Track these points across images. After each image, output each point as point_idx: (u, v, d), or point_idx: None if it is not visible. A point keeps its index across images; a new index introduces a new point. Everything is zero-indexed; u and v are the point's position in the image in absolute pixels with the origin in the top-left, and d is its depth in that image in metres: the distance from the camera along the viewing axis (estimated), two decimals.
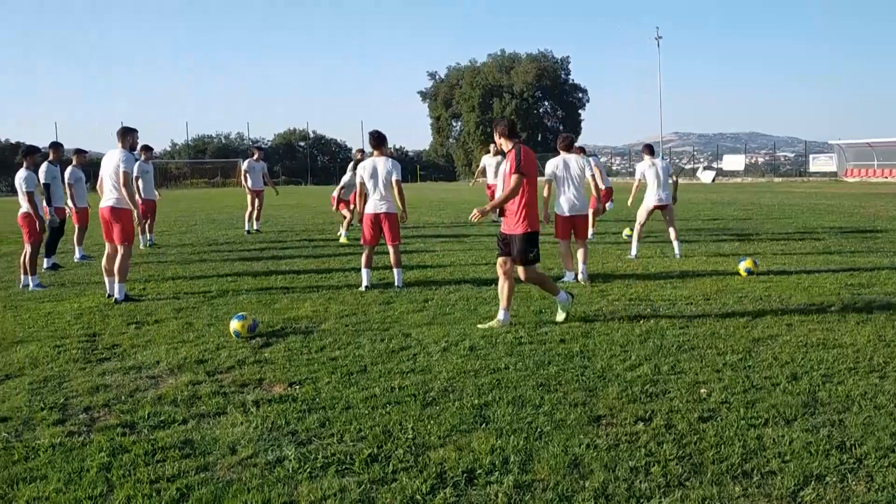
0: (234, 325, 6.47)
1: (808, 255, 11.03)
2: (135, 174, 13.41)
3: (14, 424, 4.50)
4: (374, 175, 8.61)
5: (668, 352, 5.75)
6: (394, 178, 8.60)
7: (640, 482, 3.52)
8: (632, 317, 6.97)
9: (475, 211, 6.59)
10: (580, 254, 9.04)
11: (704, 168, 63.70)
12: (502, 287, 6.79)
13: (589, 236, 10.13)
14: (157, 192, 14.66)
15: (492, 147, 17.79)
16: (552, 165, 9.01)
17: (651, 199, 11.05)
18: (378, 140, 8.74)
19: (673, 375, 5.15)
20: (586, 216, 9.22)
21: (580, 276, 8.91)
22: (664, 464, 3.71)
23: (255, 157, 16.65)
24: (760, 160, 65.65)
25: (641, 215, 11.20)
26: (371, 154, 8.87)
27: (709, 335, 6.24)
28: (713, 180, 55.33)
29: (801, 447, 3.87)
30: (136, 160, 14.16)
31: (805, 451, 3.83)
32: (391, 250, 8.84)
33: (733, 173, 58.27)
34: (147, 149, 14.63)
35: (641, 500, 3.36)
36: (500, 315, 6.76)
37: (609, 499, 3.38)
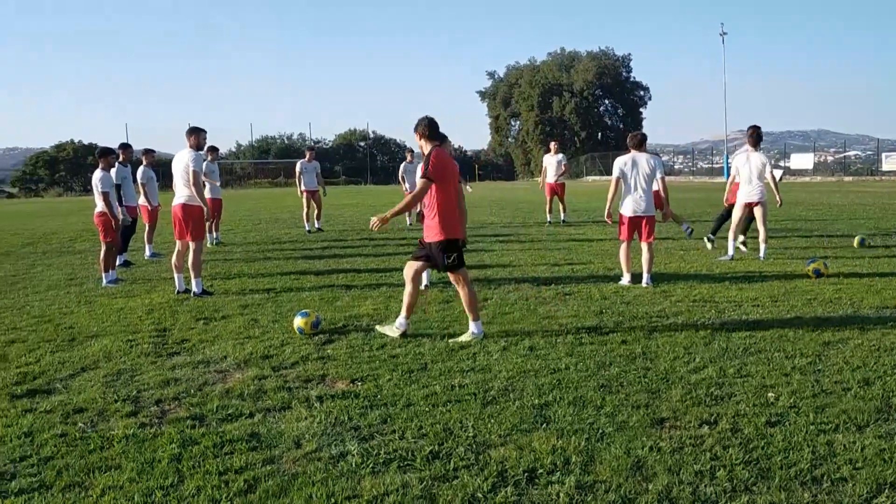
0: (298, 321, 6.60)
1: (880, 257, 10.64)
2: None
3: (90, 415, 4.68)
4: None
5: (734, 354, 5.64)
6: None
7: (706, 486, 3.46)
8: (696, 318, 6.85)
9: (374, 219, 6.20)
10: (645, 258, 8.79)
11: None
12: (406, 293, 6.48)
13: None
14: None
15: (552, 145, 17.76)
16: (620, 163, 8.79)
17: (741, 197, 10.59)
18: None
19: (739, 379, 5.05)
20: (653, 218, 8.89)
21: (644, 282, 8.69)
22: (730, 468, 3.64)
23: (308, 157, 16.93)
24: (830, 159, 63.52)
25: (735, 214, 10.75)
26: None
27: (776, 338, 6.09)
28: (780, 179, 53.82)
29: (873, 454, 3.75)
30: (204, 160, 14.58)
31: (878, 458, 3.71)
32: None
33: (801, 172, 56.61)
34: (213, 149, 15.07)
35: None
36: (397, 322, 6.48)
37: (673, 502, 3.34)
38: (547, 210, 17.62)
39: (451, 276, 6.50)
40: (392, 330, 6.49)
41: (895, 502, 3.28)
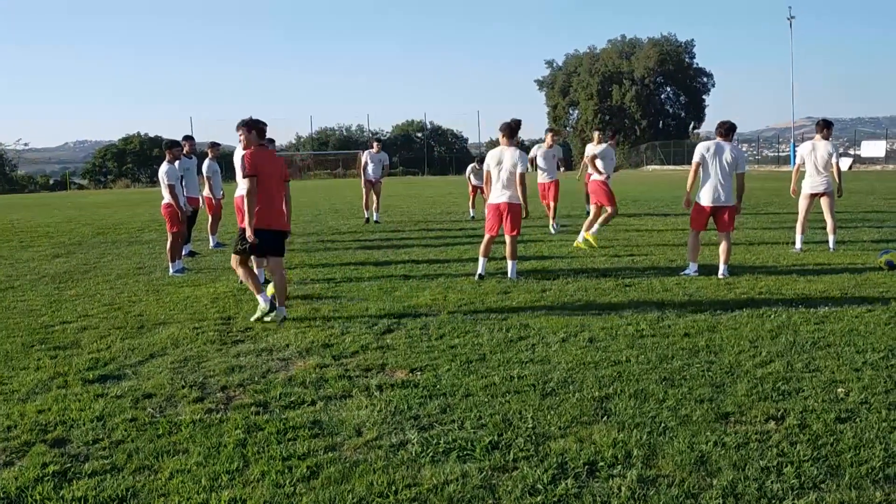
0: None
1: None
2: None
3: (158, 401, 4.83)
4: (500, 164, 8.60)
5: (802, 348, 5.48)
6: (518, 170, 8.50)
7: (772, 482, 3.38)
8: (762, 311, 6.68)
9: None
10: (723, 249, 8.53)
11: (840, 155, 59.92)
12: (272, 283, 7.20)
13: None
14: None
15: (595, 135, 16.93)
16: (702, 149, 8.60)
17: (806, 187, 10.27)
18: (512, 130, 8.73)
19: (807, 373, 4.91)
20: (732, 208, 8.55)
21: (721, 273, 8.47)
22: (798, 465, 3.55)
23: (376, 148, 17.01)
24: None
25: (801, 205, 10.38)
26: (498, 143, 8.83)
27: (846, 332, 5.90)
28: (850, 167, 52.06)
29: None
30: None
31: None
32: (508, 240, 8.82)
33: (873, 160, 54.60)
34: (270, 141, 15.26)
35: (773, 501, 3.23)
36: (260, 300, 6.98)
37: (738, 498, 3.27)
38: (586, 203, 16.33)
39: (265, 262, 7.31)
40: (260, 312, 6.99)
41: None
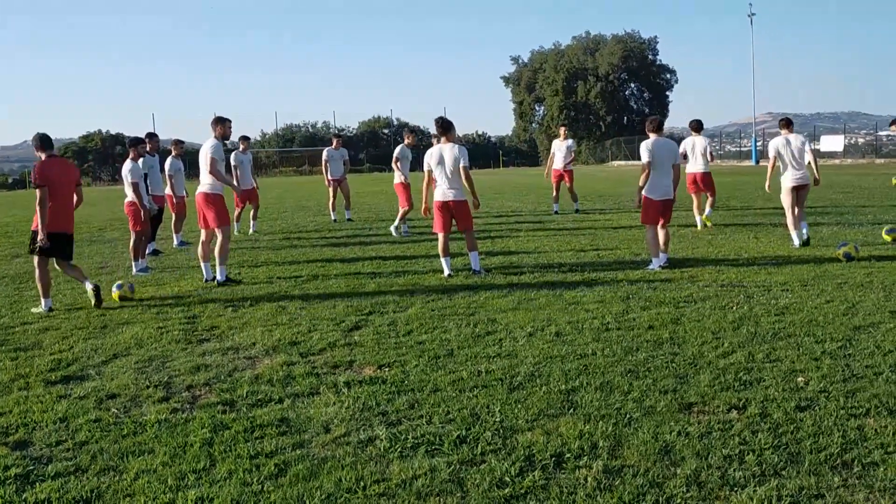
0: (115, 293, 7.91)
1: None
2: (233, 163, 14.00)
3: (122, 401, 4.77)
4: (441, 162, 8.54)
5: (763, 339, 5.59)
6: (461, 165, 8.48)
7: (735, 470, 3.45)
8: (724, 303, 6.80)
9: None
10: (666, 238, 8.87)
11: (811, 146, 60.82)
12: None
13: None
14: (254, 181, 14.95)
15: (561, 130, 17.15)
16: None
17: (788, 181, 10.19)
18: (445, 126, 8.64)
19: (768, 364, 5.01)
20: (673, 201, 8.98)
21: (665, 262, 8.77)
22: (759, 452, 3.63)
23: (335, 145, 16.65)
24: (861, 141, 62.35)
25: (786, 201, 10.26)
26: (439, 141, 8.71)
27: (806, 322, 6.03)
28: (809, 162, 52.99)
29: None
30: (234, 149, 14.65)
31: None
32: (466, 236, 8.83)
33: (832, 154, 55.72)
34: (245, 139, 15.16)
35: (735, 489, 3.30)
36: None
37: (701, 486, 3.33)
38: (553, 198, 16.75)
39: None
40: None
41: None
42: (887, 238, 9.26)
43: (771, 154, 10.35)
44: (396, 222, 13.31)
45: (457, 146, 8.56)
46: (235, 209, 14.19)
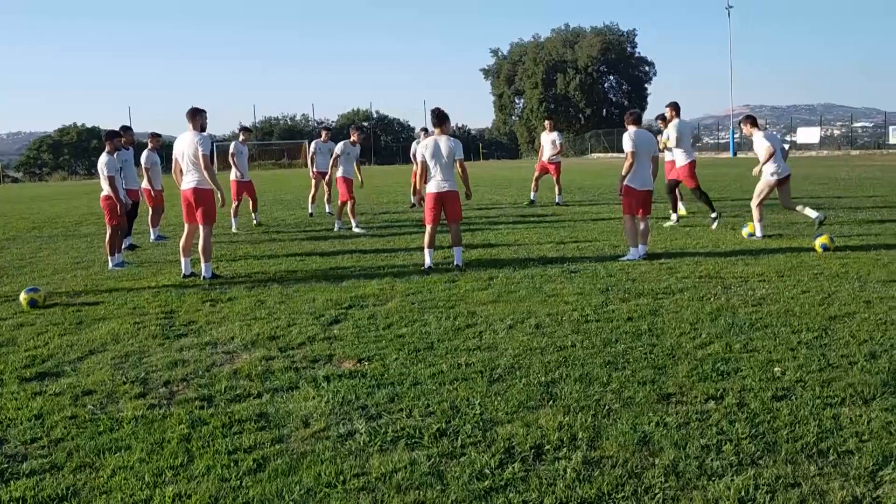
0: (23, 297, 7.46)
1: (887, 231, 10.60)
2: (231, 151, 14.08)
3: (99, 397, 4.71)
4: (436, 154, 8.59)
5: (741, 330, 5.64)
6: (456, 157, 8.61)
7: (712, 460, 3.48)
8: (702, 294, 6.85)
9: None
10: (645, 230, 9.09)
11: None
12: None
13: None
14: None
15: (546, 123, 17.39)
16: (629, 137, 9.08)
17: (774, 173, 10.27)
18: (440, 118, 8.69)
19: (745, 354, 5.06)
20: (652, 192, 9.25)
21: (644, 253, 8.97)
22: (736, 442, 3.66)
23: (324, 138, 16.49)
24: (836, 132, 63.06)
25: (765, 191, 10.34)
26: (432, 133, 8.86)
27: (783, 313, 6.09)
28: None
29: (880, 427, 3.76)
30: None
31: (884, 431, 3.72)
32: (452, 228, 8.85)
33: (808, 146, 56.28)
34: (247, 130, 15.28)
35: (713, 478, 3.32)
36: None
37: (679, 476, 3.35)
38: (532, 188, 17.02)
39: None
40: None
41: None
42: (819, 250, 8.96)
43: (766, 147, 10.26)
44: (353, 220, 13.20)
45: (452, 139, 8.66)
46: (233, 202, 13.99)
